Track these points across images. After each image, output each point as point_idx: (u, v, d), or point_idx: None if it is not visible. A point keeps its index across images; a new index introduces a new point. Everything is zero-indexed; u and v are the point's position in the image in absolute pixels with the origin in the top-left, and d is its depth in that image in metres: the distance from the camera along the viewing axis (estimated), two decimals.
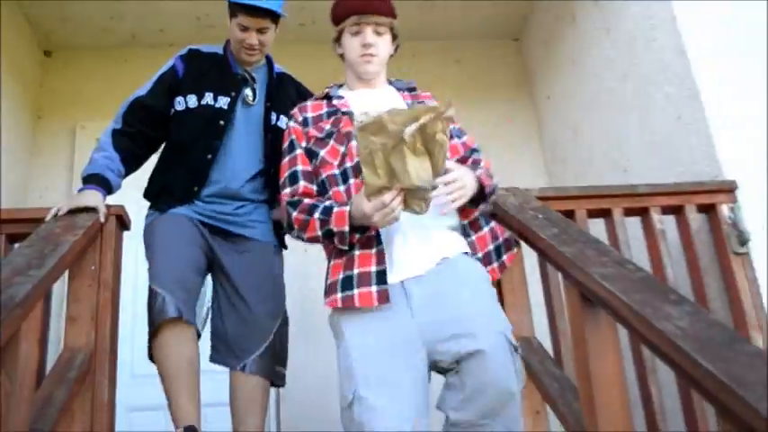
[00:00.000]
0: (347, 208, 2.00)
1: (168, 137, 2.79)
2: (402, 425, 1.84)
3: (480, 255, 2.13)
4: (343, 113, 2.21)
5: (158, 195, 2.75)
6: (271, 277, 2.76)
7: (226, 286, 2.71)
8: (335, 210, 2.03)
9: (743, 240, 2.79)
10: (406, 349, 1.94)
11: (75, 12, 4.60)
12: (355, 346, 1.97)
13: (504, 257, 2.24)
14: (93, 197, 2.54)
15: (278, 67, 2.94)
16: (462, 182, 1.98)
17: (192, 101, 2.72)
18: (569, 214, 2.78)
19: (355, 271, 2.01)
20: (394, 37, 2.28)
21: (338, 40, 2.27)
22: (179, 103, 2.74)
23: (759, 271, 2.80)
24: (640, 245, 2.86)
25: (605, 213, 2.86)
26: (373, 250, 2.01)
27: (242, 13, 2.64)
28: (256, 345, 2.64)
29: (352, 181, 2.11)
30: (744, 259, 2.79)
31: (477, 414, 1.89)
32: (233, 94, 2.75)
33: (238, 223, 2.70)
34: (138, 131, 2.74)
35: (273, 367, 2.66)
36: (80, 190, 2.61)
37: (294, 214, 2.14)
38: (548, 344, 2.66)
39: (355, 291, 1.99)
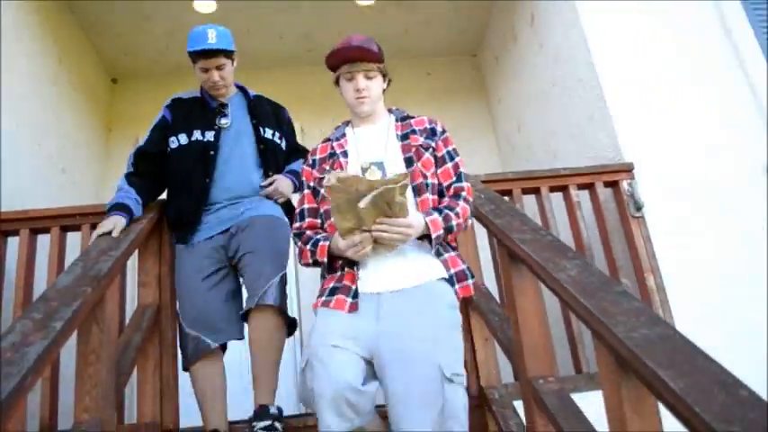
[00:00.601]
0: (328, 243, 1.94)
1: (169, 171, 2.65)
2: (333, 386, 1.74)
3: (453, 272, 1.93)
4: (338, 156, 2.07)
5: (175, 223, 2.64)
6: (270, 236, 2.55)
7: (243, 261, 2.51)
8: (320, 243, 1.96)
9: (638, 207, 2.92)
10: (352, 347, 1.81)
11: (134, 45, 4.69)
12: (318, 329, 1.89)
13: (472, 281, 1.98)
14: (109, 221, 2.36)
15: (252, 91, 2.82)
16: (407, 230, 1.81)
17: (184, 138, 2.62)
18: (508, 193, 2.91)
19: (340, 284, 1.94)
20: (384, 75, 2.12)
21: (337, 82, 2.12)
22: (173, 142, 2.63)
23: (651, 228, 2.93)
24: (563, 213, 2.96)
25: (535, 191, 2.97)
26: (355, 270, 1.91)
27: (199, 57, 2.55)
28: (265, 283, 2.41)
29: None
30: (639, 221, 2.92)
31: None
32: (215, 126, 2.65)
33: (238, 214, 2.57)
34: (146, 171, 2.62)
35: (283, 299, 2.46)
36: (108, 215, 2.43)
37: (298, 244, 2.08)
38: (495, 290, 2.79)
39: (334, 297, 1.92)
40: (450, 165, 2.05)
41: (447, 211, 1.93)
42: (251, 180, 2.62)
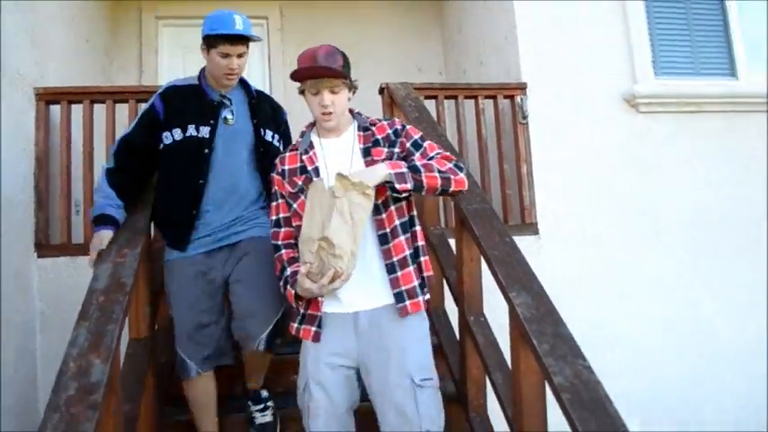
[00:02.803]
0: (292, 290, 2.02)
1: (161, 168, 2.60)
2: (330, 409, 2.03)
3: (403, 289, 2.03)
4: (310, 174, 2.10)
5: (165, 224, 2.62)
6: (269, 270, 2.38)
7: (236, 289, 2.52)
8: (288, 288, 2.05)
9: (524, 116, 4.07)
10: (341, 361, 2.05)
11: None
12: (308, 352, 2.08)
13: (426, 296, 2.09)
14: (98, 238, 2.41)
15: (253, 85, 2.74)
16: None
17: (178, 134, 2.51)
18: (434, 97, 3.96)
19: (306, 311, 2.09)
20: (350, 87, 2.10)
21: (302, 92, 2.10)
22: (166, 138, 2.53)
23: (531, 132, 4.09)
24: (472, 117, 4.06)
25: (454, 98, 4.04)
26: (320, 299, 2.03)
27: (224, 42, 2.44)
28: (263, 328, 2.47)
29: None
30: (524, 126, 4.09)
31: None
32: (212, 121, 2.53)
33: (235, 232, 2.54)
34: (128, 167, 2.56)
35: (275, 341, 2.52)
36: (94, 231, 2.47)
37: (275, 257, 2.17)
38: None
39: (302, 326, 2.09)
40: (419, 152, 2.09)
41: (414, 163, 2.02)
42: (247, 185, 2.57)
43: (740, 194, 4.28)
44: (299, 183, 2.12)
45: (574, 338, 1.89)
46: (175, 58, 5.57)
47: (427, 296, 2.09)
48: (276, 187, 2.19)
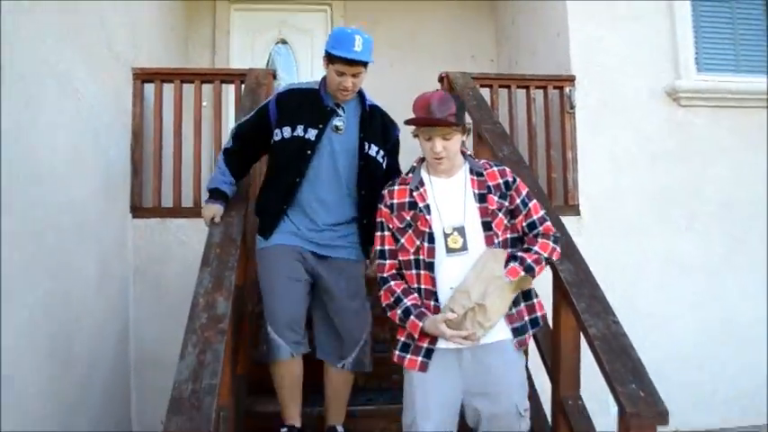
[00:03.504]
0: (420, 323, 2.10)
1: (269, 161, 2.77)
2: None
3: (511, 327, 2.16)
4: (421, 210, 2.17)
5: (261, 213, 2.74)
6: (360, 292, 2.69)
7: (326, 300, 2.66)
8: (411, 319, 2.11)
9: (572, 106, 4.40)
10: (449, 399, 2.16)
11: None
12: (416, 386, 2.16)
13: (532, 330, 2.23)
14: (210, 211, 2.65)
15: (369, 99, 2.75)
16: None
17: (287, 132, 2.62)
18: (489, 86, 4.31)
19: (412, 341, 2.17)
20: (463, 131, 2.18)
21: (416, 136, 2.20)
22: (276, 135, 2.65)
23: (578, 122, 4.41)
24: (523, 105, 4.40)
25: (508, 87, 4.38)
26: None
27: (339, 62, 2.51)
28: (352, 349, 2.65)
29: (422, 272, 2.16)
30: (570, 115, 4.41)
31: None
32: (320, 126, 2.60)
33: (330, 246, 2.63)
34: (243, 149, 2.74)
35: (363, 361, 2.68)
36: (206, 201, 2.72)
37: (382, 290, 2.21)
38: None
39: (409, 356, 2.18)
40: (527, 208, 2.22)
41: (521, 254, 2.15)
42: (342, 195, 2.64)
43: None
44: (407, 218, 2.19)
45: (606, 299, 2.29)
46: (245, 40, 6.02)
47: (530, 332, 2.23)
48: (383, 219, 2.26)
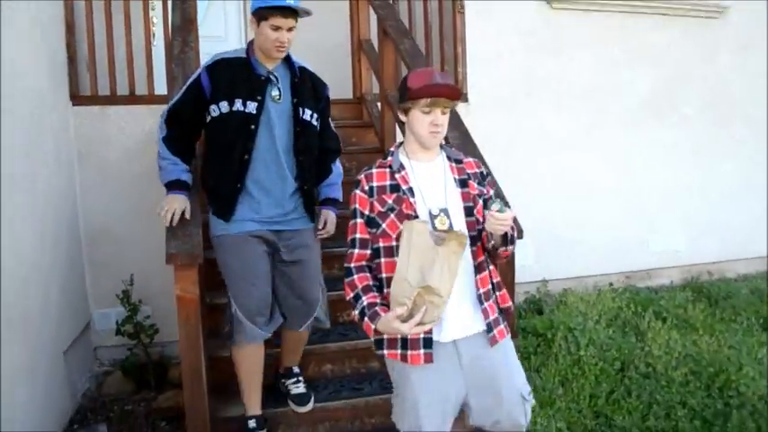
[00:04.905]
0: (372, 325, 2.00)
1: (207, 137, 2.67)
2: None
3: (491, 319, 2.10)
4: (404, 193, 2.07)
5: (212, 194, 2.68)
6: (314, 258, 2.75)
7: (284, 270, 2.70)
8: (365, 321, 2.03)
9: (462, 6, 5.06)
10: (447, 396, 2.09)
11: None
12: (414, 393, 2.07)
13: (504, 325, 2.17)
14: (174, 203, 2.53)
15: (296, 60, 2.69)
16: (506, 222, 1.95)
17: (225, 107, 2.54)
18: None
19: (409, 337, 2.02)
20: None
21: (405, 112, 2.10)
22: (214, 110, 2.56)
23: (467, 17, 5.07)
24: (420, 4, 4.96)
25: None
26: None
27: (275, 15, 2.45)
28: (311, 312, 2.75)
29: None
30: (461, 15, 5.04)
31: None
32: (259, 98, 2.55)
33: (285, 220, 2.65)
34: (180, 133, 2.63)
35: (320, 319, 2.83)
36: (169, 194, 2.58)
37: (346, 281, 2.11)
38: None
39: (408, 352, 2.03)
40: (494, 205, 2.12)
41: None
42: (289, 165, 2.64)
43: (627, 78, 5.57)
44: (389, 201, 2.08)
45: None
46: None
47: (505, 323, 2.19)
48: (357, 205, 2.13)
